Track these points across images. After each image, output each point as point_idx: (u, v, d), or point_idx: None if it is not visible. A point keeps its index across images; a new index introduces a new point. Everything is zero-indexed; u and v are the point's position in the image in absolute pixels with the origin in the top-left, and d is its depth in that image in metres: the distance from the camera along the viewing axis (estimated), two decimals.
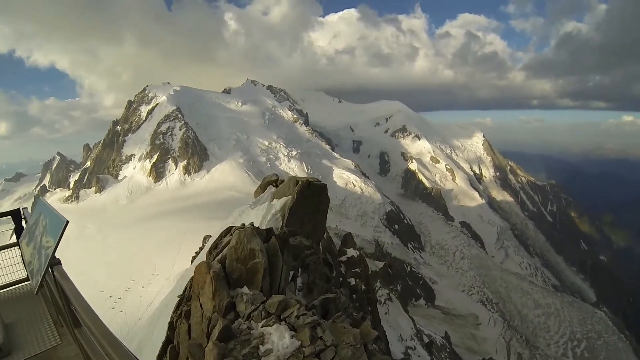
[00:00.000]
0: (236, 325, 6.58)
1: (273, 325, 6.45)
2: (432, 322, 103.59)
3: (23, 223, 7.63)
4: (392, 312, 62.54)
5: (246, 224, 10.37)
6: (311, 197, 14.11)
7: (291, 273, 10.16)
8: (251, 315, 6.77)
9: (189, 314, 7.92)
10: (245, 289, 7.39)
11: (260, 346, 6.05)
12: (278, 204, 13.95)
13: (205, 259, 10.71)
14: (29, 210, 7.75)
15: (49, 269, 5.42)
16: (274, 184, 20.00)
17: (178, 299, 9.00)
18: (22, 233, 7.26)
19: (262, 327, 6.49)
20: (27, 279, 7.72)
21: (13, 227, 7.76)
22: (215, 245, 10.06)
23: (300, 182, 13.95)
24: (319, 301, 8.89)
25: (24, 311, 7.15)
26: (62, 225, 5.43)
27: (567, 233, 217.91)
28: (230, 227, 10.38)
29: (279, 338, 6.14)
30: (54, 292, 6.10)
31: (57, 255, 5.71)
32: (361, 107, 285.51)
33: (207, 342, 6.44)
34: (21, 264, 7.31)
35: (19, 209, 7.91)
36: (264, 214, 14.46)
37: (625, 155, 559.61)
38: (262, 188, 20.56)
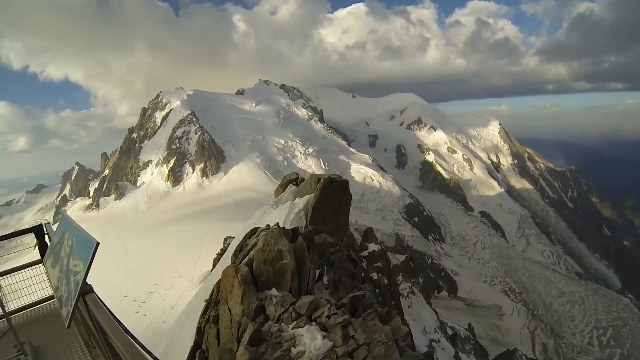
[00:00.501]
0: (266, 328, 6.50)
1: (304, 326, 6.37)
2: (455, 313, 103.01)
3: (46, 239, 7.37)
4: (415, 305, 62.25)
5: (270, 225, 10.30)
6: (333, 194, 14.00)
7: (317, 271, 10.06)
8: (281, 317, 6.69)
9: (217, 319, 7.83)
10: (274, 291, 7.30)
11: (292, 348, 5.98)
12: (300, 202, 13.85)
13: (230, 262, 10.68)
14: (52, 225, 7.57)
15: (81, 297, 5.04)
16: (294, 183, 19.94)
17: (205, 303, 8.92)
18: (46, 252, 6.86)
19: (292, 328, 6.42)
20: (53, 297, 7.05)
21: (36, 242, 7.45)
22: (240, 248, 9.97)
23: (322, 180, 13.83)
24: (347, 299, 8.78)
25: (53, 332, 6.83)
26: (92, 248, 5.07)
27: (589, 219, 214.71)
28: (255, 229, 10.29)
29: (310, 339, 6.06)
30: (86, 320, 5.76)
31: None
32: (375, 101, 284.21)
33: (238, 347, 6.38)
34: (47, 282, 6.94)
35: (41, 224, 7.62)
36: (286, 213, 14.37)
37: None
38: (283, 187, 20.49)
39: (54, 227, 7.01)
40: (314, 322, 6.55)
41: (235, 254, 9.88)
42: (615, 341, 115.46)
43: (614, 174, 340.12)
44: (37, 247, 7.43)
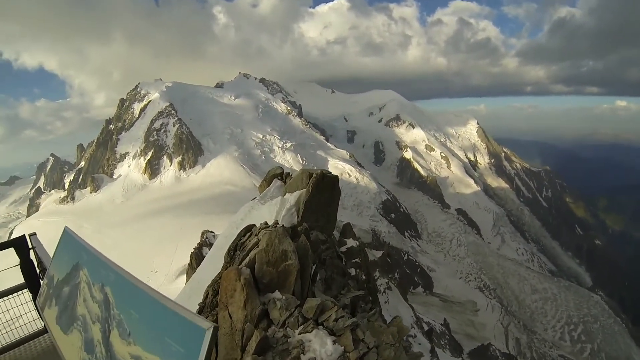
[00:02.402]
0: (271, 333, 6.13)
1: (312, 331, 6.04)
2: (431, 309, 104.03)
3: (32, 256, 5.48)
4: (392, 300, 62.65)
5: (262, 221, 9.91)
6: (325, 189, 13.71)
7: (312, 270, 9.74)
8: (286, 322, 6.31)
9: None
10: (277, 294, 6.89)
11: (302, 355, 5.65)
12: (292, 198, 13.47)
13: (220, 260, 10.25)
14: (31, 228, 5.80)
15: None
16: (280, 177, 19.55)
17: (198, 307, 8.43)
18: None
19: (299, 334, 6.08)
20: (44, 331, 5.58)
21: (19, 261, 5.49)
22: (234, 247, 9.51)
23: (314, 175, 13.51)
24: (349, 299, 8.51)
25: None
26: (202, 336, 2.39)
27: (563, 218, 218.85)
28: (250, 226, 9.84)
29: (320, 345, 5.74)
30: None
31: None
32: (354, 97, 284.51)
33: (241, 355, 6.00)
34: (35, 312, 5.36)
35: (23, 236, 5.46)
36: (277, 209, 13.96)
37: (619, 140, 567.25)
38: (268, 182, 20.06)
39: (40, 237, 5.59)
40: (321, 326, 6.24)
41: (229, 253, 9.43)
42: (586, 336, 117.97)
43: (588, 175, 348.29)
44: (19, 267, 5.52)
